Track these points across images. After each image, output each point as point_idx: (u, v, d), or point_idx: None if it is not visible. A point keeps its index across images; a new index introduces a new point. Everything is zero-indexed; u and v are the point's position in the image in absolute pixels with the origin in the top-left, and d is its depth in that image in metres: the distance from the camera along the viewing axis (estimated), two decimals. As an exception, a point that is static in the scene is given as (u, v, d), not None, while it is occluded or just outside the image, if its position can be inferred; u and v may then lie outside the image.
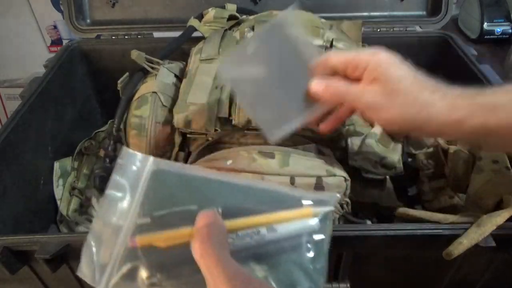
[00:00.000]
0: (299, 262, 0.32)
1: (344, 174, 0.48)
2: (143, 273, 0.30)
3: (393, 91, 0.40)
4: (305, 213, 0.34)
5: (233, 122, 0.56)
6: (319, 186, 0.47)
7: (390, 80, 0.41)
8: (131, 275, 0.30)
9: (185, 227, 0.31)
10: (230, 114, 0.57)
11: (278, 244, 0.33)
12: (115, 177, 0.34)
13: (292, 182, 0.46)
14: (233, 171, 0.47)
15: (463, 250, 0.43)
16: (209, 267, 0.29)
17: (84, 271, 0.31)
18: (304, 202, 0.34)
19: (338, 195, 0.36)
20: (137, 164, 0.34)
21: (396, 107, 0.40)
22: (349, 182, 0.49)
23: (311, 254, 0.33)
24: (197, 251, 0.29)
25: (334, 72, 0.44)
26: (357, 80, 0.43)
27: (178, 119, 0.57)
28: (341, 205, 0.50)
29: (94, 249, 0.32)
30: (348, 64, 0.43)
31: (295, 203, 0.34)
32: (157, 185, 0.34)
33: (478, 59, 0.75)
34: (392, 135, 0.63)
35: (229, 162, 0.47)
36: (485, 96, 0.39)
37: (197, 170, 0.35)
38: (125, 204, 0.33)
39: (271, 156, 0.48)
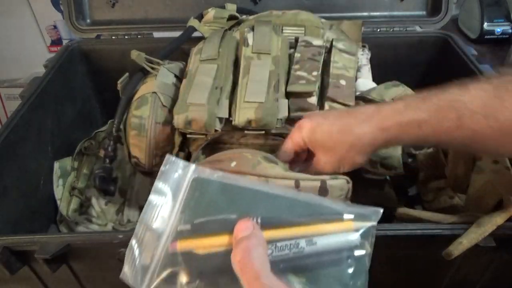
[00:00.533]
0: (338, 277, 0.32)
1: (346, 176, 0.49)
2: (183, 278, 0.31)
3: (331, 152, 0.47)
4: (346, 227, 0.33)
5: (233, 122, 0.56)
6: (323, 189, 0.47)
7: (321, 145, 0.47)
8: (171, 279, 0.31)
9: (224, 235, 0.32)
10: (230, 115, 0.57)
11: (318, 257, 0.32)
12: (158, 183, 0.35)
13: (297, 185, 0.46)
14: (238, 173, 0.47)
15: (463, 250, 0.43)
16: (249, 282, 0.29)
17: (126, 273, 0.32)
18: (346, 216, 0.34)
19: (381, 210, 0.35)
20: (179, 172, 0.35)
21: (346, 160, 0.46)
22: (351, 184, 0.49)
23: (351, 270, 0.33)
24: (237, 265, 0.30)
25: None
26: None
27: (178, 119, 0.57)
28: None
29: (136, 252, 0.33)
30: (296, 148, 0.50)
31: (336, 217, 0.34)
32: (197, 192, 0.34)
33: (478, 59, 0.75)
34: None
35: (234, 164, 0.47)
36: (409, 112, 0.42)
37: (237, 179, 0.36)
38: (166, 210, 0.34)
39: (275, 162, 0.48)
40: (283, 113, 0.57)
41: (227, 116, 0.57)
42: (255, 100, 0.56)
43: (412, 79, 0.75)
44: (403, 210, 0.52)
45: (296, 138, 0.49)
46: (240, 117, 0.55)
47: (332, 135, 0.46)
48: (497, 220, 0.44)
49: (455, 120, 0.40)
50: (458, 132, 0.40)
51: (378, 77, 0.72)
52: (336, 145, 0.46)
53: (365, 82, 0.71)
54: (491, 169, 0.51)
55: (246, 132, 0.58)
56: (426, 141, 0.44)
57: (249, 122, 0.55)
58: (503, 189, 0.49)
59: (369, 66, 0.75)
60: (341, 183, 0.48)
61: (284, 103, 0.58)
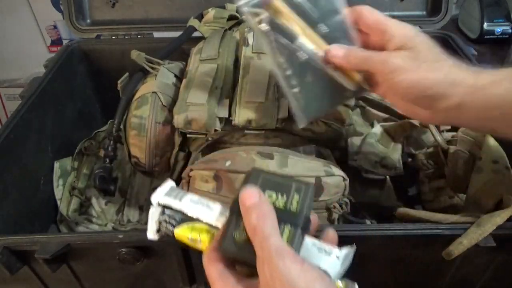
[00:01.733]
0: None
1: (343, 174, 0.48)
2: None
3: (421, 56, 0.41)
4: None
5: (233, 122, 0.56)
6: (318, 186, 0.47)
7: (418, 47, 0.41)
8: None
9: None
10: (230, 114, 0.57)
11: None
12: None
13: None
14: (232, 172, 0.47)
15: (463, 250, 0.43)
16: (261, 242, 0.31)
17: None
18: None
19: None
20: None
21: (423, 70, 0.40)
22: (347, 182, 0.49)
23: None
24: (252, 231, 0.32)
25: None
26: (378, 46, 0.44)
27: (178, 119, 0.57)
28: (340, 205, 0.50)
29: None
30: (377, 25, 0.44)
31: None
32: None
33: (478, 59, 0.75)
34: (392, 135, 0.62)
35: (228, 163, 0.47)
36: (509, 69, 0.39)
37: None
38: None
39: (270, 157, 0.48)
40: (283, 113, 0.57)
41: (227, 115, 0.57)
42: (255, 100, 0.56)
43: (412, 79, 0.75)
44: (403, 210, 0.52)
45: (393, 25, 0.43)
46: (240, 117, 0.56)
47: (431, 51, 0.41)
48: (497, 220, 0.44)
49: None
50: None
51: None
52: (426, 59, 0.41)
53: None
54: (491, 169, 0.51)
55: (246, 131, 0.58)
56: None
57: (249, 121, 0.55)
58: (503, 189, 0.49)
59: (369, 66, 0.75)
60: (337, 181, 0.48)
61: (284, 103, 0.58)
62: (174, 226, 0.37)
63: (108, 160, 0.65)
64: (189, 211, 0.37)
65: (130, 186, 0.73)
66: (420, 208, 0.63)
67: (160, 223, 0.37)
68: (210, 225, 0.36)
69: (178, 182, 0.66)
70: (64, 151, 0.74)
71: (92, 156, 0.76)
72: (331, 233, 0.37)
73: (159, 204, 0.37)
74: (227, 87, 0.60)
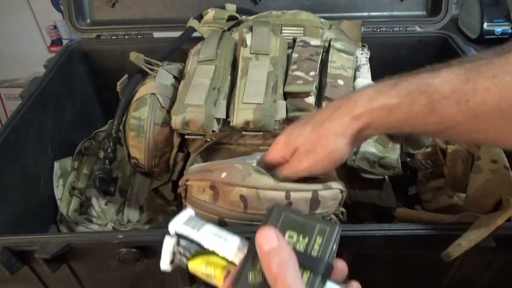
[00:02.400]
0: None
1: (340, 185, 0.48)
2: None
3: (310, 153, 0.44)
4: None
5: (231, 123, 0.56)
6: (315, 200, 0.46)
7: (299, 150, 0.45)
8: None
9: None
10: (228, 116, 0.57)
11: None
12: None
13: (288, 197, 0.46)
14: (228, 184, 0.46)
15: (462, 251, 0.43)
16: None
17: None
18: None
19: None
20: None
21: (325, 158, 0.44)
22: (345, 194, 0.49)
23: None
24: (273, 278, 0.30)
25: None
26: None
27: (176, 120, 0.57)
28: (337, 215, 0.49)
29: None
30: (279, 160, 0.48)
31: None
32: None
33: (478, 59, 0.75)
34: (390, 135, 0.62)
35: (224, 174, 0.47)
36: (379, 98, 0.41)
37: None
38: None
39: (266, 174, 0.48)
40: (281, 114, 0.57)
41: (224, 116, 0.57)
42: (253, 101, 0.56)
43: (411, 79, 0.75)
44: (402, 210, 0.52)
45: (276, 153, 0.47)
46: (238, 118, 0.55)
47: (305, 135, 0.44)
48: (497, 220, 0.44)
49: (426, 105, 0.38)
50: (430, 118, 0.39)
51: (378, 77, 0.71)
52: (311, 143, 0.44)
53: (364, 81, 0.71)
54: (490, 168, 0.51)
55: (244, 132, 0.58)
56: (399, 128, 0.41)
57: (247, 123, 0.55)
58: (502, 189, 0.49)
59: (368, 65, 0.74)
60: (334, 193, 0.47)
61: (282, 104, 0.58)
62: (188, 259, 0.36)
63: (107, 162, 0.65)
64: (205, 243, 0.35)
65: (130, 186, 0.73)
66: (419, 208, 0.63)
67: (174, 254, 0.36)
68: (227, 260, 0.34)
69: (178, 181, 0.66)
70: (64, 151, 0.74)
71: (92, 156, 0.76)
72: (355, 286, 0.35)
73: (175, 234, 0.36)
74: (224, 88, 0.60)
